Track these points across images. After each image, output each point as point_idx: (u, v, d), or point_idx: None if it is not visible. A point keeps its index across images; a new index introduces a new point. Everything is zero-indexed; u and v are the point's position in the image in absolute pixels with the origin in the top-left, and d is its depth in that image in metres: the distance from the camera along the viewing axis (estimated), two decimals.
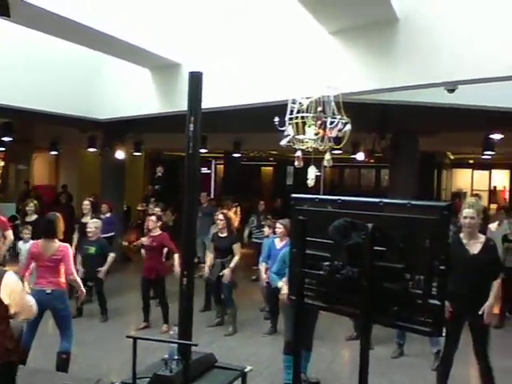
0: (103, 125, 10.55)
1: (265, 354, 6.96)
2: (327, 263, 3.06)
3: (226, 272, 7.79)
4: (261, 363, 6.63)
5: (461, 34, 5.24)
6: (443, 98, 6.34)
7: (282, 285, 5.88)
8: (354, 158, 15.10)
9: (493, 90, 6.77)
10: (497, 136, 11.40)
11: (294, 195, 3.38)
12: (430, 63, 5.18)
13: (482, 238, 5.27)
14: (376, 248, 2.89)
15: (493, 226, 8.92)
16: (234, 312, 7.96)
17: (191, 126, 3.87)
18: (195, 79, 3.95)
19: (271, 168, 27.84)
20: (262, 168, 28.38)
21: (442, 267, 2.75)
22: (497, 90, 6.82)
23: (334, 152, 12.45)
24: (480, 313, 5.14)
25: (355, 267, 2.95)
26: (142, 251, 8.38)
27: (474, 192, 21.44)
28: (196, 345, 3.77)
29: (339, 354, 7.22)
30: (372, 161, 21.23)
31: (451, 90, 5.80)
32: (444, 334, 5.48)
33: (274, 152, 21.43)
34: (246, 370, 4.17)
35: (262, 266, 7.80)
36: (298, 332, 3.38)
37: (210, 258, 8.19)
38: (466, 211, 5.19)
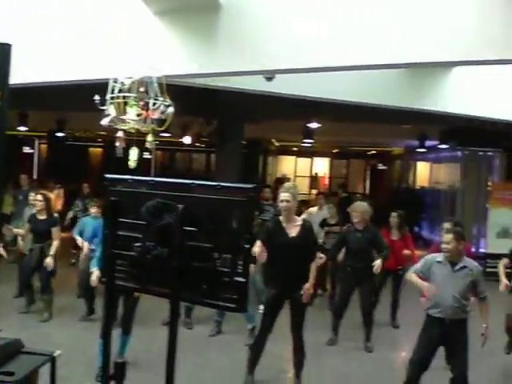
0: None
1: (81, 340, 6.79)
2: (138, 244, 3.06)
3: (48, 261, 7.44)
4: (76, 349, 6.44)
5: (280, 25, 5.47)
6: (265, 86, 6.60)
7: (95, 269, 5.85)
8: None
9: (310, 80, 7.21)
10: (314, 125, 12.15)
11: (107, 175, 3.32)
12: (250, 51, 5.36)
13: (299, 220, 5.59)
14: (186, 228, 2.95)
15: (313, 210, 9.55)
16: (51, 298, 7.65)
17: None
18: (3, 51, 3.70)
19: (100, 149, 26.98)
20: (90, 149, 27.39)
21: (247, 246, 2.89)
22: (314, 81, 7.26)
23: (163, 135, 12.46)
24: (301, 292, 5.48)
25: (166, 248, 3.00)
26: None
27: (287, 177, 22.61)
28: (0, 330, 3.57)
29: (159, 336, 7.21)
30: (203, 145, 21.57)
31: (269, 79, 6.06)
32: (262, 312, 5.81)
33: (103, 133, 20.79)
34: (54, 355, 4.03)
35: (85, 245, 7.63)
36: (109, 314, 3.35)
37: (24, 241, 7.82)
38: (283, 195, 5.46)
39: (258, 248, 5.28)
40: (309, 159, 29.28)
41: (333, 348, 7.06)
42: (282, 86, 7.00)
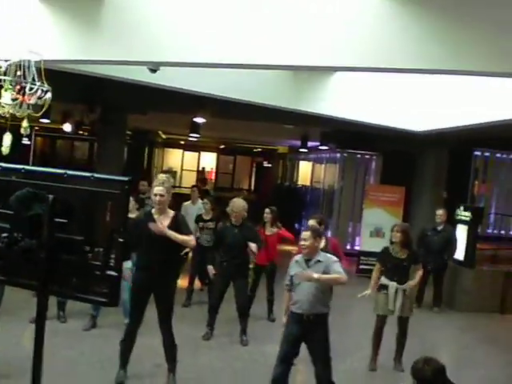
0: None
1: None
2: (5, 235, 2.94)
3: None
4: None
5: (167, 17, 5.43)
6: (149, 77, 6.52)
7: None
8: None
9: (196, 75, 7.22)
10: (200, 120, 12.17)
11: None
12: (135, 41, 5.28)
13: (172, 213, 5.57)
14: (56, 219, 2.87)
15: (187, 203, 9.58)
16: None
17: None
18: None
19: None
20: None
21: (121, 240, 2.86)
22: (200, 76, 7.29)
23: (43, 121, 11.88)
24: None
25: (35, 239, 2.90)
26: None
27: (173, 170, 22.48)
28: None
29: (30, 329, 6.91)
30: (85, 133, 20.87)
31: (153, 70, 6.00)
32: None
33: None
34: None
35: None
36: None
37: None
38: (156, 189, 5.40)
39: None
40: (196, 153, 29.30)
41: (208, 342, 7.12)
42: (167, 79, 6.96)
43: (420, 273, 6.91)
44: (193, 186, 10.71)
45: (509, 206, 16.12)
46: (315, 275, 5.04)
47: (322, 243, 5.69)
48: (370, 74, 8.54)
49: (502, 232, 16.18)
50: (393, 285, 6.61)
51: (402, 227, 6.87)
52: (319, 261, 5.24)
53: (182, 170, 28.41)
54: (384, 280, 6.72)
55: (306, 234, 5.28)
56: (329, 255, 5.39)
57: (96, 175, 2.93)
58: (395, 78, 8.98)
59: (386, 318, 6.71)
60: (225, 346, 7.08)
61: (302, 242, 5.27)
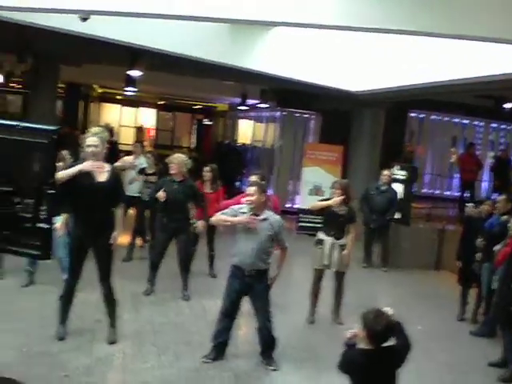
0: None
1: None
2: None
3: None
4: None
5: None
6: (79, 26, 6.25)
7: None
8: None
9: (132, 26, 6.99)
10: (136, 73, 11.82)
11: None
12: None
13: (108, 166, 5.43)
14: None
15: (128, 159, 9.39)
16: None
17: None
18: None
19: None
20: None
21: (51, 191, 2.77)
22: (136, 28, 7.05)
23: None
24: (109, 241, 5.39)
25: None
26: None
27: (110, 126, 21.94)
28: None
29: None
30: (20, 86, 20.00)
31: (84, 19, 5.75)
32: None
33: None
34: None
35: None
36: None
37: None
38: (90, 139, 5.25)
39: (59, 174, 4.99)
40: (134, 109, 28.63)
41: (149, 298, 7.10)
42: (100, 29, 6.69)
43: (353, 235, 6.88)
44: (135, 142, 10.52)
45: (443, 166, 16.61)
46: None
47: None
48: (310, 31, 8.50)
49: (437, 192, 16.73)
50: (328, 239, 6.72)
51: (342, 184, 6.96)
52: (266, 219, 5.28)
53: (120, 126, 27.71)
54: (321, 235, 6.82)
55: (251, 189, 5.28)
56: (275, 216, 5.43)
57: (22, 124, 2.80)
58: (335, 37, 8.99)
59: (323, 272, 6.83)
60: (166, 301, 7.08)
61: (248, 198, 5.27)
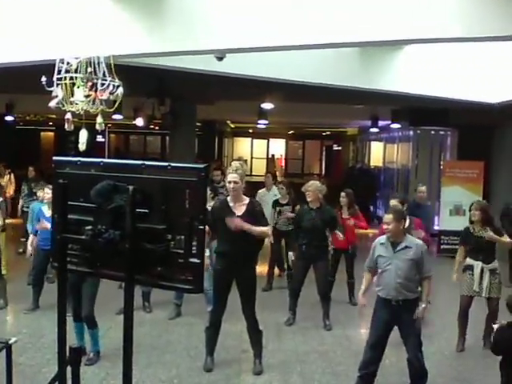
0: None
1: (39, 326, 6.67)
2: (89, 227, 2.99)
3: None
4: (34, 335, 6.38)
5: (226, 3, 5.39)
6: (214, 66, 6.52)
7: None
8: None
9: (262, 60, 7.16)
10: (268, 105, 12.10)
11: (55, 158, 3.22)
12: (199, 29, 5.26)
13: (247, 200, 5.57)
14: (138, 210, 2.90)
15: (262, 191, 9.58)
16: (3, 285, 7.47)
17: None
18: None
19: (51, 133, 26.38)
20: (42, 133, 26.77)
21: (201, 227, 2.85)
22: (266, 61, 7.22)
23: (115, 117, 12.19)
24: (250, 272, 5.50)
25: (118, 230, 2.94)
26: None
27: (243, 159, 22.56)
28: None
29: (115, 324, 7.00)
30: (157, 128, 21.31)
31: (220, 58, 6.00)
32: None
33: (54, 116, 20.28)
34: (10, 342, 3.96)
35: (31, 236, 7.41)
36: (62, 299, 3.26)
37: None
38: (230, 176, 5.43)
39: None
40: (265, 141, 29.34)
41: (291, 328, 7.10)
42: (233, 66, 6.93)
43: (507, 238, 6.54)
44: (267, 173, 10.71)
45: None
46: None
47: (406, 223, 5.52)
48: (439, 46, 8.22)
49: None
50: (478, 264, 6.35)
51: (479, 205, 6.59)
52: (407, 247, 5.10)
53: (251, 158, 28.51)
54: (469, 260, 6.46)
55: (388, 218, 5.13)
56: (417, 241, 5.24)
57: (173, 164, 2.92)
58: (466, 49, 8.61)
59: (472, 298, 6.46)
60: (308, 330, 7.04)
61: (385, 226, 5.14)
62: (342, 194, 8.21)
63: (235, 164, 5.53)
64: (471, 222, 6.65)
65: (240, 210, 5.45)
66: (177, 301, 7.21)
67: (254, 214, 5.49)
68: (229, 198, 5.54)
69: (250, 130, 26.68)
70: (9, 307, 7.45)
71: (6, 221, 8.64)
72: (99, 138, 19.52)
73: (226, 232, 5.37)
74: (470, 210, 6.68)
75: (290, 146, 30.36)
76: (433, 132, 14.88)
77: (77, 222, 3.10)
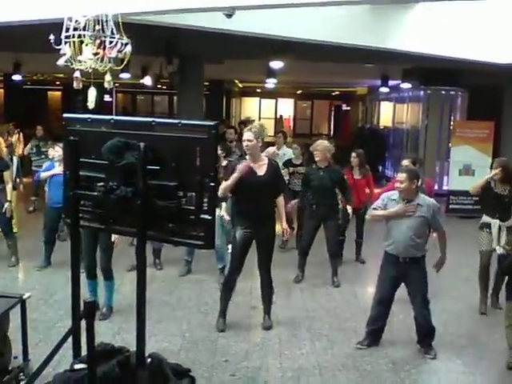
0: None
1: (51, 283, 6.79)
2: (101, 184, 3.03)
3: (7, 207, 7.27)
4: (46, 292, 6.49)
5: None
6: (223, 23, 6.44)
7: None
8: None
9: (272, 18, 7.06)
10: (277, 64, 11.95)
11: (65, 115, 3.24)
12: None
13: (265, 159, 5.58)
14: (149, 167, 2.92)
15: (272, 149, 9.51)
16: (15, 242, 7.56)
17: None
18: None
19: (59, 93, 26.29)
20: (49, 92, 26.68)
21: (212, 184, 2.89)
22: (275, 19, 7.12)
23: (122, 76, 12.11)
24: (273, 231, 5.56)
25: (129, 187, 2.97)
26: None
27: (251, 119, 22.40)
28: None
29: (127, 280, 6.92)
30: (164, 87, 21.16)
31: (229, 16, 5.92)
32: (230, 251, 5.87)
33: (61, 75, 20.17)
34: (24, 297, 4.05)
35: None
36: (75, 255, 3.33)
37: None
38: (245, 134, 5.45)
39: (222, 185, 5.31)
40: (273, 101, 29.11)
41: (300, 285, 7.18)
42: (242, 24, 6.84)
43: None
44: (278, 132, 10.62)
45: None
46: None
47: (419, 183, 5.51)
48: (450, 5, 8.08)
49: None
50: (495, 222, 6.33)
51: (500, 163, 6.52)
52: (419, 204, 5.11)
53: (259, 118, 28.35)
54: (485, 218, 6.45)
55: (402, 176, 5.12)
56: (430, 200, 5.24)
57: (183, 121, 2.94)
58: (478, 9, 8.46)
59: (491, 254, 6.40)
60: (316, 287, 7.11)
61: (398, 184, 5.14)
62: (353, 154, 8.18)
63: (254, 124, 5.48)
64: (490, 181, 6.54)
65: (261, 169, 5.45)
66: (187, 257, 7.28)
67: (275, 175, 5.54)
68: (247, 158, 5.53)
69: (258, 90, 26.44)
70: (20, 265, 7.55)
71: (17, 179, 8.66)
72: (107, 98, 19.39)
73: (247, 191, 5.38)
74: (490, 168, 6.60)
75: (299, 105, 30.12)
76: (443, 92, 14.70)
77: (88, 178, 3.14)
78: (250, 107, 29.07)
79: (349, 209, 7.43)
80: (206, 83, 16.05)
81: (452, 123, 14.27)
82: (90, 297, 5.42)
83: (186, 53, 11.28)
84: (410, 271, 5.17)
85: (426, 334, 5.30)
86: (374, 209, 5.35)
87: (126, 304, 5.90)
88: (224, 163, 6.43)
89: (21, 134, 11.76)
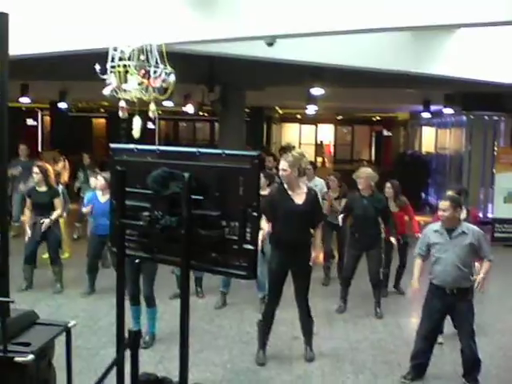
0: None
1: (95, 310, 6.86)
2: (147, 213, 3.05)
3: (46, 221, 7.40)
4: (91, 319, 6.55)
5: None
6: (264, 51, 6.51)
7: None
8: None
9: (312, 45, 7.10)
10: (317, 91, 11.98)
11: (112, 145, 3.29)
12: (249, 16, 5.27)
13: (305, 188, 5.55)
14: (193, 197, 2.93)
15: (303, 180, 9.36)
16: (60, 269, 7.69)
17: None
18: (0, 21, 3.61)
19: (103, 120, 26.88)
20: (94, 120, 27.29)
21: (255, 214, 2.87)
22: (316, 46, 7.16)
23: (165, 104, 12.38)
24: (307, 261, 5.48)
25: (174, 216, 2.98)
26: None
27: (292, 145, 22.32)
28: (12, 301, 3.58)
29: (170, 308, 7.05)
30: (206, 114, 21.44)
31: (270, 44, 5.98)
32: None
33: (106, 103, 20.67)
34: (69, 325, 4.06)
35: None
36: (120, 283, 3.34)
37: (27, 215, 7.70)
38: (281, 163, 5.45)
39: (264, 221, 5.33)
40: (313, 126, 29.09)
41: (342, 315, 7.07)
42: (283, 52, 6.90)
43: None
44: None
45: None
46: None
47: (463, 214, 5.40)
48: (491, 29, 7.98)
49: None
50: None
51: None
52: (464, 232, 5.00)
53: (300, 144, 28.33)
54: None
55: (444, 204, 5.03)
56: (474, 227, 5.12)
57: (227, 151, 2.94)
58: None
59: None
60: (359, 318, 6.99)
61: (441, 213, 5.04)
62: (388, 184, 7.87)
63: (293, 153, 5.40)
64: None
65: (300, 198, 5.42)
66: (223, 289, 7.19)
67: (313, 204, 5.49)
68: (285, 186, 5.50)
69: (298, 116, 26.49)
70: (65, 291, 7.66)
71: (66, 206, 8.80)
72: (150, 125, 19.75)
73: (284, 219, 5.37)
74: None
75: (339, 131, 30.02)
76: (486, 117, 14.47)
77: (133, 208, 3.17)
78: (290, 133, 29.10)
79: (393, 240, 7.30)
80: (247, 110, 16.18)
81: (496, 149, 14.01)
82: (133, 324, 5.46)
83: (227, 80, 11.44)
84: (457, 303, 5.03)
85: (472, 367, 5.14)
86: (419, 254, 5.29)
87: (169, 332, 5.91)
88: (266, 192, 6.40)
89: (66, 161, 12.04)
